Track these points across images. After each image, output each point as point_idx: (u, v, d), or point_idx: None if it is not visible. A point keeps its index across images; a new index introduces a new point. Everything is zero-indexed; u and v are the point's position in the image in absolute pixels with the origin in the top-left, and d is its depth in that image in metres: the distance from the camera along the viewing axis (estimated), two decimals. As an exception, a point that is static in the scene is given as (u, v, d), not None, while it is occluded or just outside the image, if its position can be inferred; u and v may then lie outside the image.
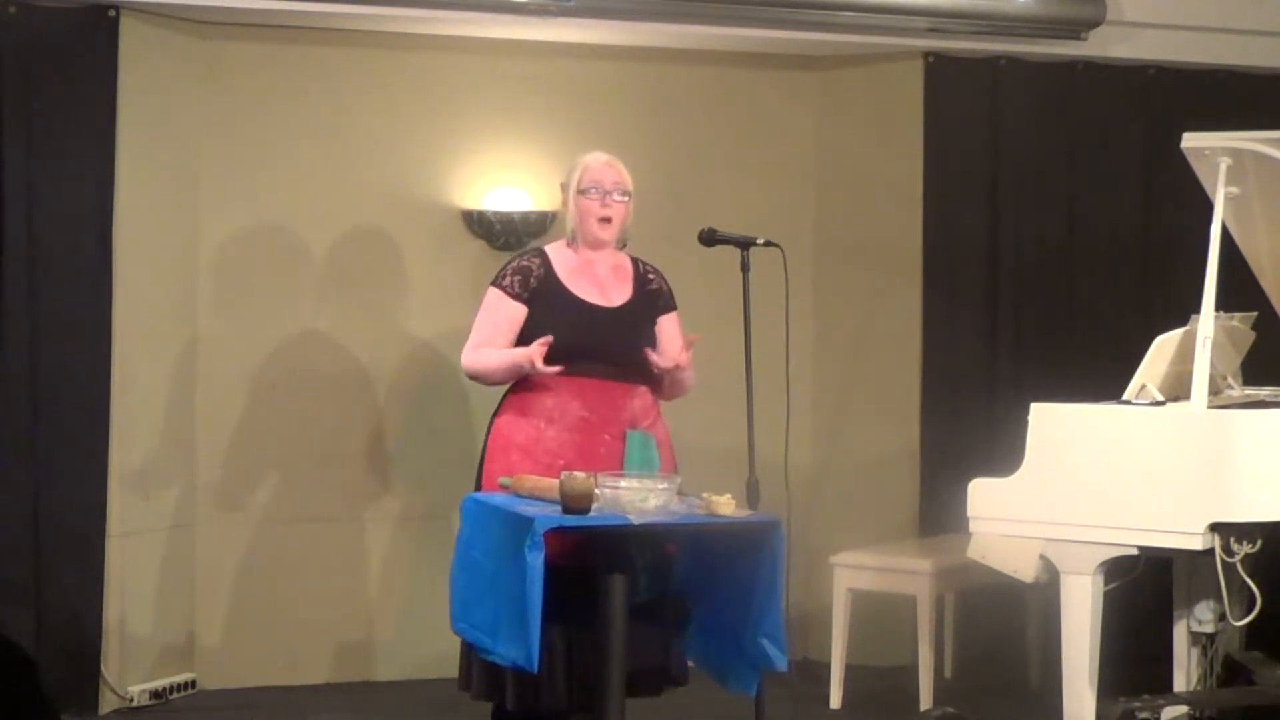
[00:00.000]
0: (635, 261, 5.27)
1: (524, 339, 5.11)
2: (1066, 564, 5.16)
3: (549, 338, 4.95)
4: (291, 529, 6.70)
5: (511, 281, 5.15)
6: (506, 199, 6.79)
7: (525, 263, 5.18)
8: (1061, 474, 5.18)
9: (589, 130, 6.75)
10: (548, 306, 5.10)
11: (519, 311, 5.13)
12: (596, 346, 5.07)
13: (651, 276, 5.27)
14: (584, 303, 5.11)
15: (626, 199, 5.17)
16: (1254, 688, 5.53)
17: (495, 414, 5.18)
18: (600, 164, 5.18)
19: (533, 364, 4.95)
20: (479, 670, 4.99)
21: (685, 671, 5.14)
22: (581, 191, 5.15)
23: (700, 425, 6.38)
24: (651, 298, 5.23)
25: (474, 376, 5.17)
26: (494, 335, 5.13)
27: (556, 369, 4.96)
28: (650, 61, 7.02)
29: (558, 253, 5.21)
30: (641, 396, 5.14)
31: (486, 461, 5.13)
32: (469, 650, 5.01)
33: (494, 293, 5.16)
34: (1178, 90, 7.12)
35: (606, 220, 5.14)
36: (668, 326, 5.25)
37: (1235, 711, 5.61)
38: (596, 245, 5.17)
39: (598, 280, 5.17)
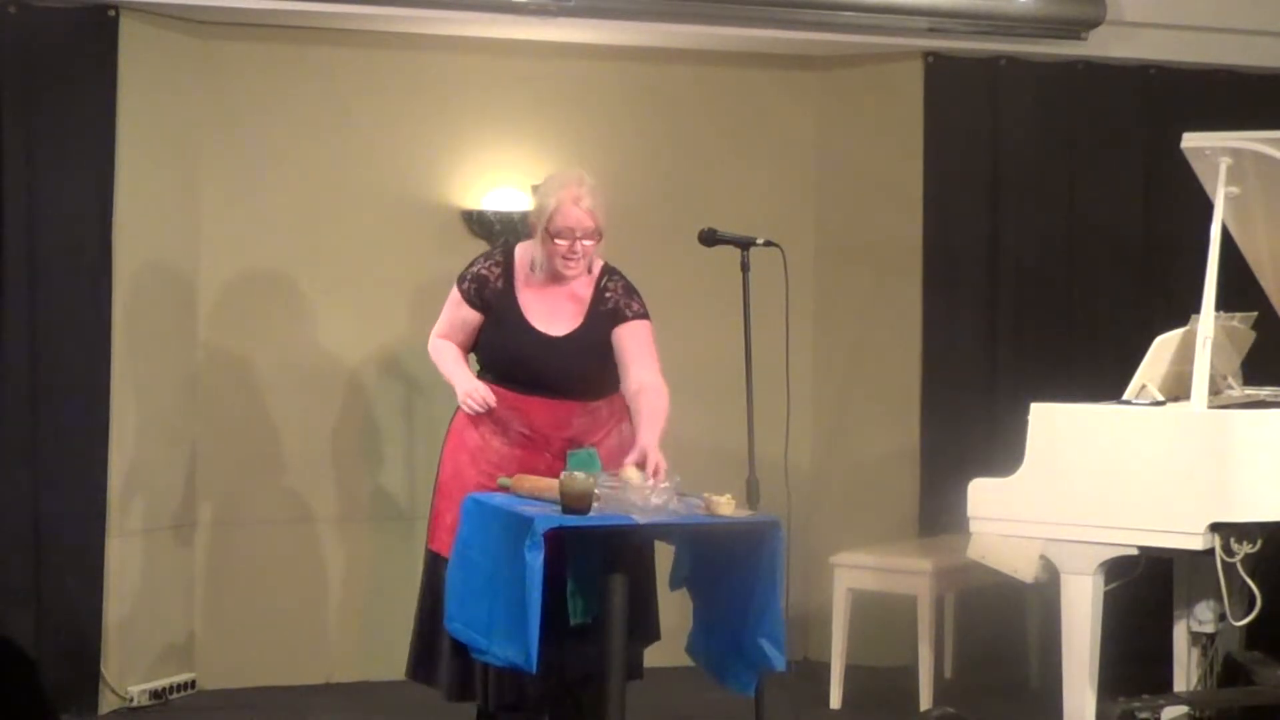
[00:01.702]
0: (600, 277, 5.22)
1: (478, 339, 5.25)
2: (1066, 564, 5.16)
3: (493, 404, 5.08)
4: (292, 529, 6.71)
5: (469, 288, 5.23)
6: (506, 199, 6.78)
7: (484, 271, 5.22)
8: (1061, 474, 5.17)
9: (588, 130, 6.76)
10: (496, 323, 5.17)
11: (473, 316, 5.22)
12: (535, 373, 5.12)
13: (609, 294, 5.19)
14: (530, 328, 5.14)
15: (595, 241, 5.14)
16: (1254, 688, 5.53)
17: (457, 408, 5.25)
18: (569, 205, 5.08)
19: (465, 404, 5.12)
20: (454, 674, 5.03)
21: (639, 668, 5.15)
22: (551, 234, 5.11)
23: (700, 425, 6.38)
24: (606, 318, 5.18)
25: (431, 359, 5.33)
26: (451, 330, 5.29)
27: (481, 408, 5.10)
28: (650, 61, 7.02)
29: (524, 257, 5.22)
30: (590, 413, 5.16)
31: (443, 459, 5.23)
32: (424, 647, 5.06)
33: (455, 292, 5.27)
34: (1178, 90, 7.12)
35: (574, 262, 5.13)
36: (627, 337, 5.16)
37: (1235, 711, 5.61)
38: (559, 281, 5.18)
39: (553, 301, 5.17)
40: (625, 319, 5.18)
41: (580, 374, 5.14)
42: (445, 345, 5.27)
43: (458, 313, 5.25)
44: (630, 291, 5.22)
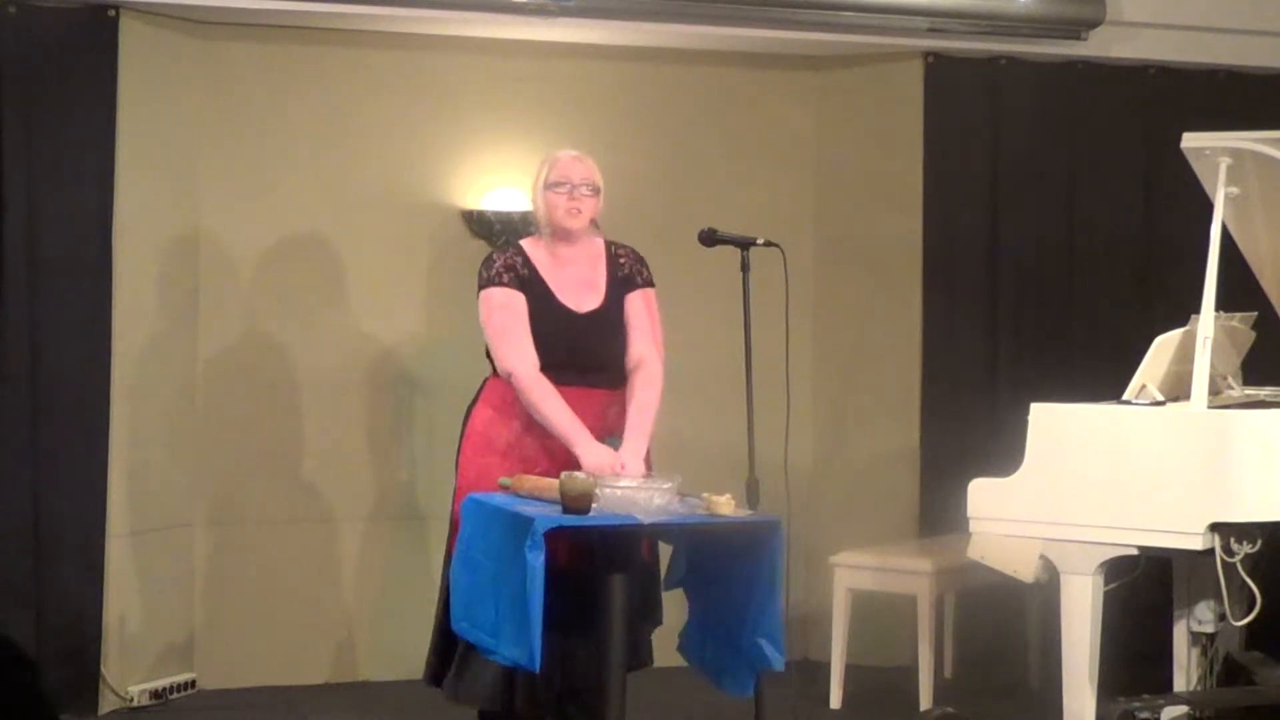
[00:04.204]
0: (608, 246, 5.23)
1: None
2: (1066, 564, 5.16)
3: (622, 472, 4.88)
4: (292, 529, 6.71)
5: (508, 278, 5.10)
6: (506, 199, 6.79)
7: (509, 259, 5.13)
8: (1061, 474, 5.17)
9: (588, 130, 6.75)
10: (532, 305, 5.09)
11: (524, 301, 5.09)
12: (574, 353, 5.06)
13: (623, 260, 5.22)
14: (564, 309, 5.10)
15: (594, 194, 5.14)
16: (1254, 688, 5.53)
17: (474, 403, 5.18)
18: (568, 159, 5.16)
19: (586, 465, 4.85)
20: (471, 679, 5.01)
21: (649, 654, 5.15)
22: (549, 186, 5.12)
23: (700, 425, 6.39)
24: (623, 284, 5.19)
25: (518, 389, 5.02)
26: (524, 332, 5.03)
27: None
28: (650, 61, 7.02)
29: (533, 249, 5.18)
30: (619, 402, 5.14)
31: (463, 460, 5.14)
32: (443, 651, 5.03)
33: (498, 291, 5.08)
34: (1178, 90, 7.12)
35: (575, 212, 5.11)
36: (634, 304, 5.18)
37: (1235, 711, 5.61)
38: (566, 236, 5.14)
39: (574, 279, 5.14)
40: (635, 286, 5.20)
41: (610, 351, 5.12)
42: (550, 390, 4.96)
43: (516, 307, 5.04)
44: (639, 258, 5.25)
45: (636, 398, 5.11)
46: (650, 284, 5.24)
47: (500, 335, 5.06)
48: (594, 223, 5.20)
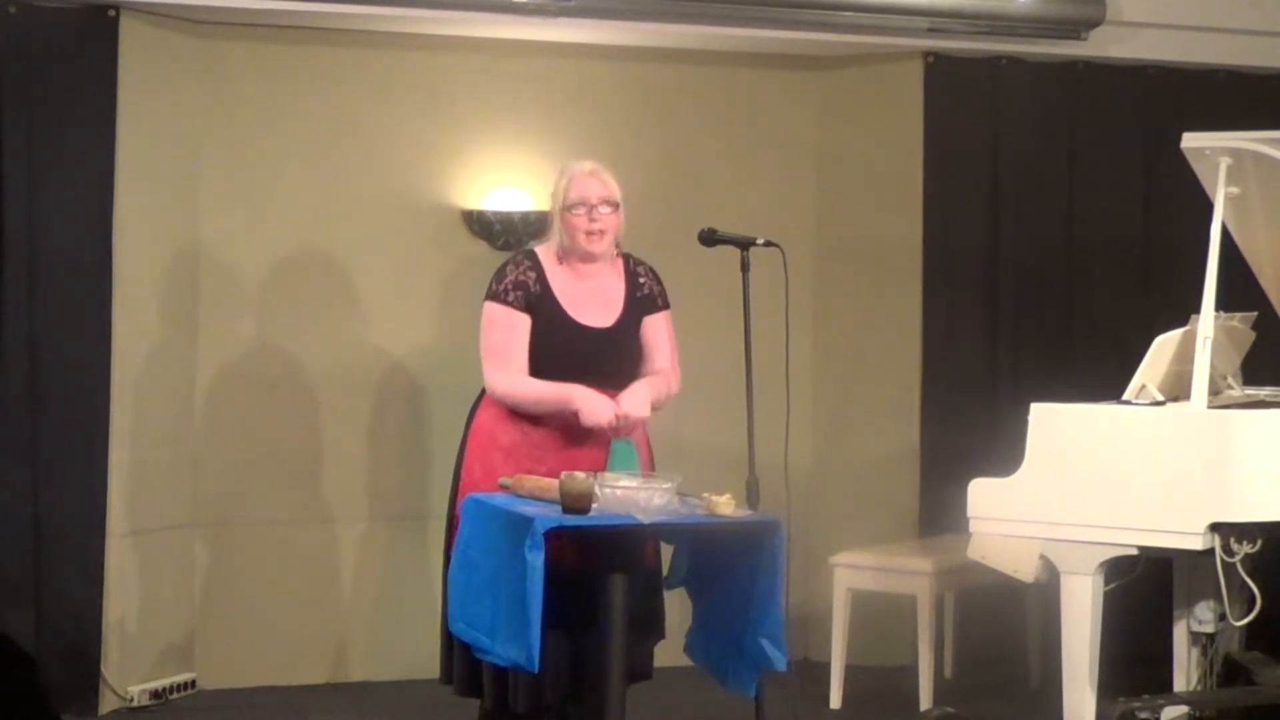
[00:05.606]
0: (627, 261, 5.24)
1: None
2: (1066, 564, 5.16)
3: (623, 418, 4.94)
4: (292, 529, 6.70)
5: (517, 297, 5.09)
6: (506, 199, 6.79)
7: (521, 276, 5.12)
8: (1061, 474, 5.17)
9: (588, 130, 6.76)
10: (542, 323, 5.09)
11: (526, 322, 5.09)
12: (582, 369, 5.05)
13: (643, 280, 5.23)
14: (577, 324, 5.09)
15: (614, 210, 5.12)
16: (1254, 688, 5.53)
17: (478, 402, 5.18)
18: (584, 175, 5.12)
19: (585, 411, 4.95)
20: (464, 669, 5.01)
21: (650, 667, 5.15)
22: (568, 208, 5.10)
23: (700, 425, 6.39)
24: (641, 304, 5.20)
25: (508, 400, 5.08)
26: (518, 352, 5.06)
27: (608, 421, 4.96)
28: (650, 61, 7.02)
29: (549, 259, 5.16)
30: None
31: (467, 459, 5.14)
32: (451, 647, 5.03)
33: (500, 309, 5.09)
34: (1178, 90, 7.12)
35: (597, 234, 5.10)
36: (652, 326, 5.21)
37: (1235, 711, 5.61)
38: (588, 260, 5.14)
39: (590, 294, 5.14)
40: (655, 308, 5.22)
41: (628, 364, 5.13)
42: (525, 379, 5.05)
43: (515, 326, 5.07)
44: (658, 278, 5.27)
45: (649, 375, 5.16)
46: (667, 305, 5.25)
47: (489, 354, 5.10)
48: (614, 245, 5.18)
